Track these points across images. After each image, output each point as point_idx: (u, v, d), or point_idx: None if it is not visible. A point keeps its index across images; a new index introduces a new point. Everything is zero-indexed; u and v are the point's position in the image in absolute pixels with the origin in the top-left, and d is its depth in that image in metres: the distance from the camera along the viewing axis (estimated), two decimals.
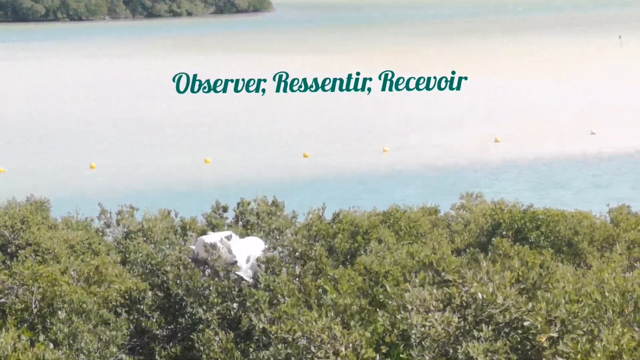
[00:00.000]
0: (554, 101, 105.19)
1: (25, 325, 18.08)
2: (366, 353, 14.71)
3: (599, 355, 11.89)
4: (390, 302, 15.78)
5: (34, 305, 18.41)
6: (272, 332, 15.45)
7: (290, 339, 15.27)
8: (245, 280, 19.64)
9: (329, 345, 15.01)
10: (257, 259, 20.00)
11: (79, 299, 18.16)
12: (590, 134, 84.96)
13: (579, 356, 11.79)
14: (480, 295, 13.88)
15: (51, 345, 14.47)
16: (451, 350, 13.77)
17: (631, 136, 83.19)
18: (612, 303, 13.86)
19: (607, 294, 14.08)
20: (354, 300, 17.01)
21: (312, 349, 15.06)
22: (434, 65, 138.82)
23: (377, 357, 14.68)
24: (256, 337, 17.60)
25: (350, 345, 15.04)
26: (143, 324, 19.06)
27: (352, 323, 16.31)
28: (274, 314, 16.15)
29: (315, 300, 17.29)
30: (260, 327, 16.32)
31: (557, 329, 13.26)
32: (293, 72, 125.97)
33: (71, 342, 16.72)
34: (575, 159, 75.76)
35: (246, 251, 20.39)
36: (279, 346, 15.37)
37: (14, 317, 18.31)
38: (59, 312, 17.77)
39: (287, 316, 15.78)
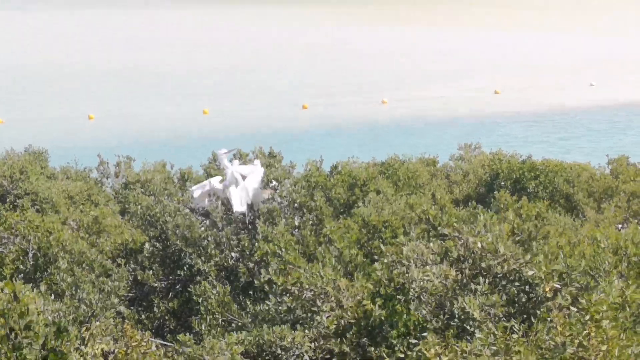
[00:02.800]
0: (552, 53, 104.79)
1: (21, 275, 18.00)
2: (367, 305, 14.71)
3: (603, 307, 11.83)
4: (385, 257, 15.70)
5: (30, 255, 18.31)
6: (279, 284, 15.36)
7: (296, 291, 15.22)
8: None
9: (333, 297, 14.98)
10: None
11: (79, 250, 18.09)
12: (590, 85, 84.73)
13: (581, 306, 11.77)
14: (480, 245, 13.83)
15: (52, 297, 14.42)
16: (448, 304, 13.75)
17: (630, 88, 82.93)
18: (606, 259, 13.87)
19: (600, 250, 14.07)
20: (357, 252, 16.94)
21: (318, 302, 15.04)
22: (431, 16, 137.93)
23: (376, 307, 14.65)
24: (259, 290, 17.53)
25: (353, 297, 15.03)
26: (139, 277, 19.04)
27: (355, 274, 16.24)
28: (280, 266, 16.05)
29: (316, 251, 17.22)
30: (266, 278, 16.24)
31: (556, 281, 13.26)
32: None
33: (73, 292, 16.66)
34: (574, 111, 75.56)
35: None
36: (285, 298, 15.30)
37: (8, 267, 18.21)
38: (61, 262, 17.69)
39: (292, 267, 15.71)
